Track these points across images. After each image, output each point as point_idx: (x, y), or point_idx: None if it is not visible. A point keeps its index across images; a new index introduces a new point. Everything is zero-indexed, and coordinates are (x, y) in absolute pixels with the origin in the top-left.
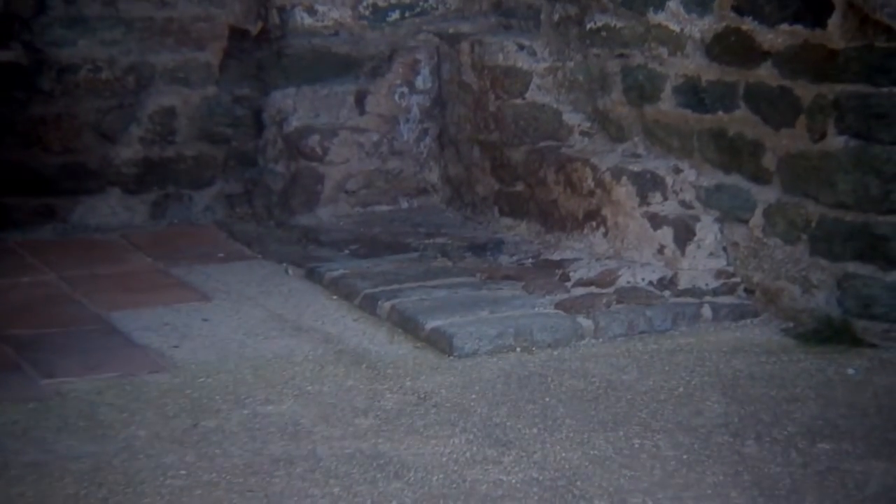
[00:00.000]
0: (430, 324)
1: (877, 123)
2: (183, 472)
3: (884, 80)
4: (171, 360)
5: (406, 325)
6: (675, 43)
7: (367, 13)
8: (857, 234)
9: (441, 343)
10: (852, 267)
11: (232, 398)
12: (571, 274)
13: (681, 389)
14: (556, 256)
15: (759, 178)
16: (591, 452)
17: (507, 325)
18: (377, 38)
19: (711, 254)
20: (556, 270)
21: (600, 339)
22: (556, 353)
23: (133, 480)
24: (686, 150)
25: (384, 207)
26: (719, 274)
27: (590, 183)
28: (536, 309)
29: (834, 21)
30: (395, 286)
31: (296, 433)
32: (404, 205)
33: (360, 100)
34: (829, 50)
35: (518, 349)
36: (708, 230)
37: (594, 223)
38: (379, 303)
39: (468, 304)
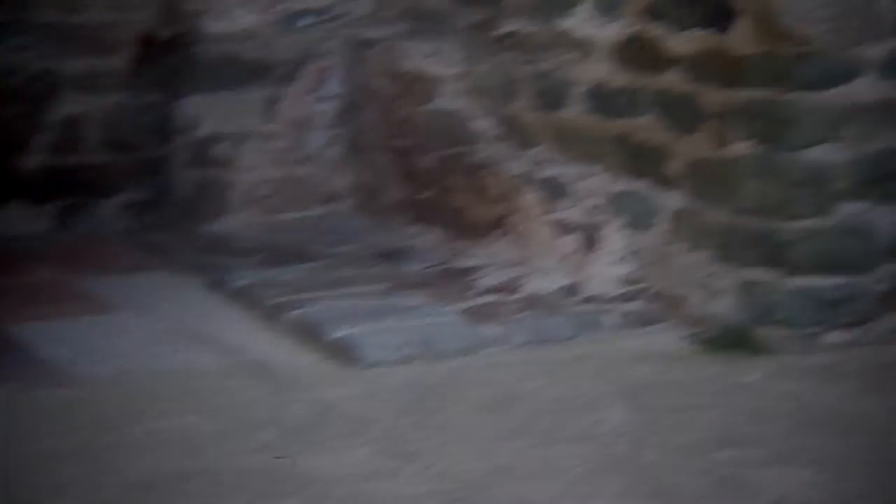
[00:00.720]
0: (336, 333)
1: (780, 130)
2: (81, 488)
3: (788, 87)
4: (72, 374)
5: (311, 334)
6: (584, 49)
7: (277, 19)
8: (760, 240)
9: (346, 353)
10: (755, 273)
11: (132, 412)
12: (479, 282)
13: (584, 398)
14: (464, 264)
15: (666, 184)
16: (494, 463)
17: (413, 334)
18: (287, 44)
19: (617, 260)
20: (464, 278)
21: (506, 348)
22: (461, 362)
23: (31, 497)
24: (594, 156)
25: (293, 215)
26: (625, 281)
27: (498, 190)
28: (443, 318)
29: (740, 28)
30: (302, 295)
31: (195, 447)
32: (313, 212)
33: (270, 106)
34: (734, 56)
35: (424, 358)
36: (614, 237)
37: (502, 230)
38: (284, 312)
39: (375, 313)
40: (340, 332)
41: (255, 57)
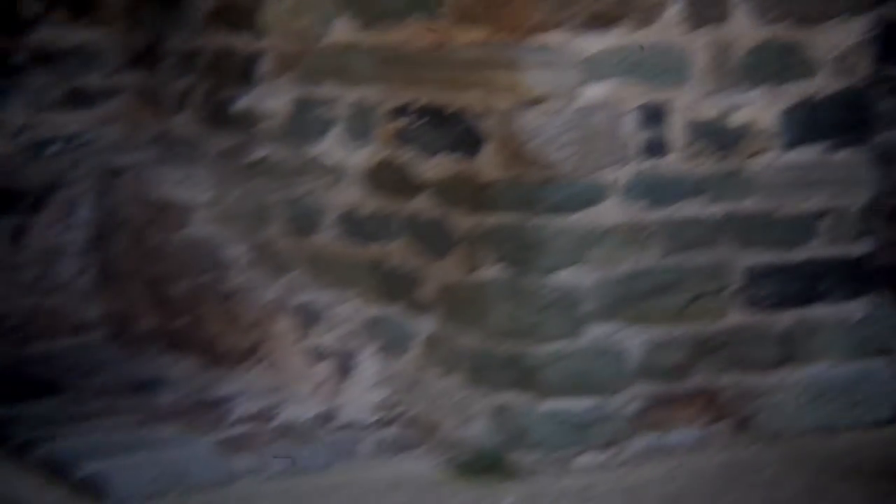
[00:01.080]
0: (83, 470)
1: (528, 253)
2: None
3: (535, 211)
4: None
5: (59, 472)
6: (336, 174)
7: (25, 145)
8: (511, 363)
9: (95, 490)
10: (507, 397)
11: None
12: (233, 411)
13: None
14: (218, 393)
15: (419, 309)
16: None
17: (166, 467)
18: (36, 172)
19: (372, 386)
20: (218, 408)
21: (261, 478)
22: (215, 494)
23: None
24: (347, 281)
25: (43, 346)
26: (379, 407)
27: (251, 317)
28: (196, 449)
29: (487, 153)
30: (50, 430)
31: None
32: (64, 343)
33: (18, 235)
34: (482, 181)
35: (176, 492)
36: (368, 362)
37: (256, 357)
38: (32, 449)
39: (126, 447)
40: (89, 469)
41: (1, 185)
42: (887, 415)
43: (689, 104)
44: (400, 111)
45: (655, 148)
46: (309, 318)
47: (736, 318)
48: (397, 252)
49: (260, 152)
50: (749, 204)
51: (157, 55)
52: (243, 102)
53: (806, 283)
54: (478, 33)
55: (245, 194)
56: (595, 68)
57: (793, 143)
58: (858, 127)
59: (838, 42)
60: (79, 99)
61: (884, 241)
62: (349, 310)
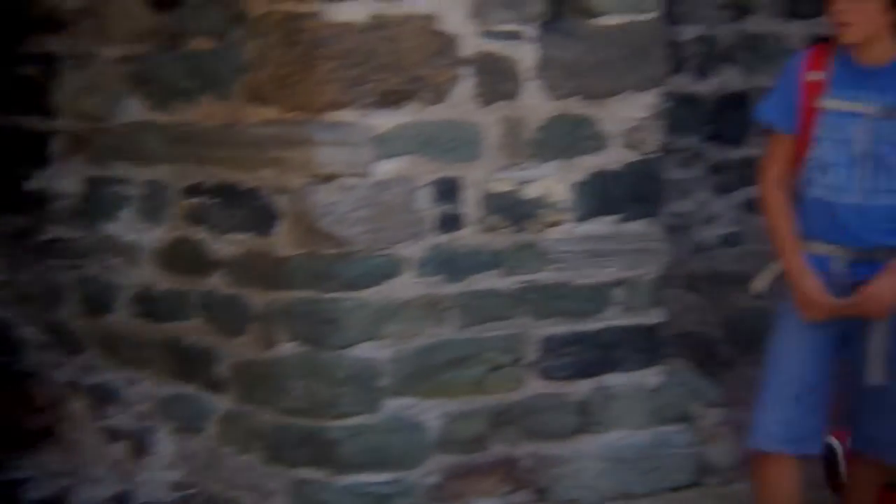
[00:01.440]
0: None
1: (324, 329)
2: None
3: (330, 287)
4: None
5: None
6: (129, 253)
7: None
8: (308, 439)
9: None
10: (305, 473)
11: None
12: (26, 494)
13: None
14: (12, 476)
15: (215, 387)
16: None
17: None
18: None
19: (168, 465)
20: (12, 491)
21: None
22: None
23: None
24: (142, 360)
25: None
26: (177, 486)
27: (45, 398)
28: None
29: (280, 230)
30: None
31: None
32: None
33: None
34: (276, 258)
35: None
36: (164, 442)
37: (51, 439)
38: None
39: None
40: None
41: None
42: (685, 479)
43: (483, 178)
44: (193, 190)
45: (450, 222)
46: (104, 397)
47: (533, 388)
48: (193, 330)
49: (52, 232)
50: (544, 275)
51: None
52: (35, 183)
53: (602, 353)
54: (270, 112)
55: (37, 275)
56: (387, 145)
57: (586, 215)
58: (649, 199)
59: (627, 116)
60: None
61: (677, 310)
62: (145, 389)
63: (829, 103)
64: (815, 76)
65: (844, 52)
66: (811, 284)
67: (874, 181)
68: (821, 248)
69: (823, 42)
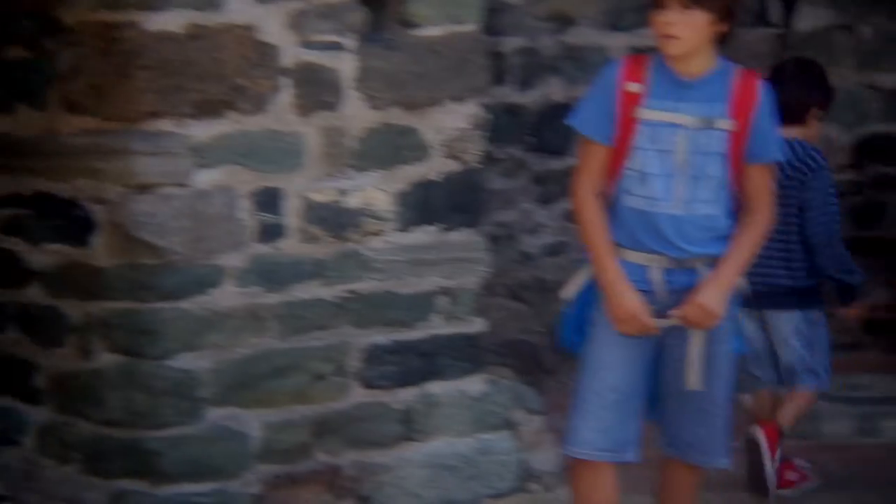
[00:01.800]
0: None
1: (143, 339)
2: None
3: (149, 297)
4: None
5: None
6: None
7: None
8: (127, 450)
9: None
10: (125, 483)
11: None
12: None
13: None
14: None
15: (32, 399)
16: None
17: None
18: None
19: None
20: None
21: None
22: None
23: None
24: None
25: None
26: None
27: None
28: None
29: (98, 240)
30: None
31: None
32: None
33: None
34: (94, 268)
35: None
36: None
37: None
38: None
39: None
40: None
41: None
42: (508, 486)
43: (304, 188)
44: (9, 200)
45: (271, 232)
46: None
47: (356, 396)
48: (10, 342)
49: None
50: (367, 285)
51: None
52: None
53: (425, 361)
54: (87, 122)
55: None
56: (207, 155)
57: (409, 225)
58: (471, 208)
59: (448, 126)
60: None
61: (502, 318)
62: None
63: (648, 114)
64: (634, 87)
65: (662, 64)
66: (629, 299)
67: (692, 191)
68: (638, 258)
69: (639, 53)
